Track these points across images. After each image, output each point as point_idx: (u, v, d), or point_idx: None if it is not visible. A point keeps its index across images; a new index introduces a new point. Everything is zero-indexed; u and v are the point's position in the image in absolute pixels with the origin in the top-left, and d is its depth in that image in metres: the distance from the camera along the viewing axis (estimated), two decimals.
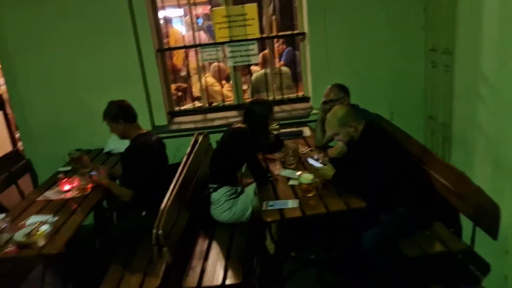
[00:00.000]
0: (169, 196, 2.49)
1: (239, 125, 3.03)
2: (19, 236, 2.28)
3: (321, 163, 2.58)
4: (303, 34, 3.76)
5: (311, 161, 2.62)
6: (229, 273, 2.40)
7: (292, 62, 5.03)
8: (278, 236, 2.98)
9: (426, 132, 3.60)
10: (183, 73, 5.48)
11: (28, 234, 2.29)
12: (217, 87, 5.01)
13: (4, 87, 6.04)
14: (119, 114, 2.80)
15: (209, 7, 6.25)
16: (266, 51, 4.33)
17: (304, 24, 3.71)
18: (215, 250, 2.65)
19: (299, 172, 2.70)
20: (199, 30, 5.86)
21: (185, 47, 4.14)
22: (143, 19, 3.59)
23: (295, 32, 3.92)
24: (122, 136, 2.90)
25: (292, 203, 2.44)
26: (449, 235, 2.51)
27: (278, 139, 3.20)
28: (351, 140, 2.56)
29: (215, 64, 5.12)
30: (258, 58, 3.83)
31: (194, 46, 3.91)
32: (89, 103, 3.75)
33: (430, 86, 3.47)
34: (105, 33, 3.59)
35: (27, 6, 3.56)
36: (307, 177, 2.49)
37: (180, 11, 7.21)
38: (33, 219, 2.51)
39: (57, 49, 3.66)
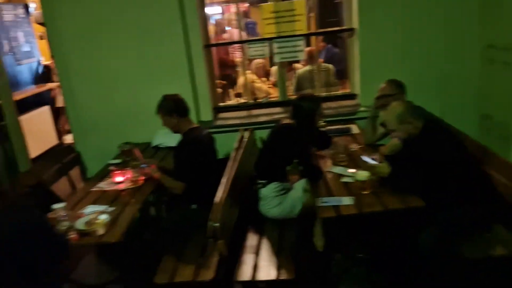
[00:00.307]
0: (223, 190, 2.50)
1: (286, 121, 3.02)
2: (80, 224, 2.34)
3: (376, 160, 2.54)
4: (351, 30, 3.70)
5: (365, 158, 2.57)
6: (282, 269, 2.39)
7: (332, 60, 4.97)
8: (327, 233, 2.95)
9: (481, 130, 3.47)
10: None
11: (88, 223, 2.35)
12: (259, 84, 5.02)
13: (52, 84, 6.30)
14: (173, 108, 2.84)
15: (247, 5, 6.28)
16: (311, 47, 4.30)
17: (353, 19, 3.66)
18: (265, 245, 2.64)
19: (352, 170, 2.66)
20: (237, 28, 5.89)
21: (232, 43, 4.15)
22: (192, 14, 3.62)
23: (343, 28, 3.87)
24: (174, 130, 2.93)
25: (346, 200, 2.41)
26: (511, 238, 2.42)
27: (326, 136, 3.17)
28: (408, 137, 2.50)
29: (257, 61, 5.13)
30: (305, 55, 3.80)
31: (241, 42, 3.92)
32: (137, 98, 3.82)
33: (485, 84, 3.35)
34: (155, 28, 3.64)
35: (80, 2, 3.66)
36: (363, 175, 2.45)
37: (218, 9, 7.27)
38: (91, 209, 2.58)
39: (107, 44, 3.75)
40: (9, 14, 5.71)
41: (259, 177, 2.94)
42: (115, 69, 3.80)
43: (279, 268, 2.41)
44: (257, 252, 2.57)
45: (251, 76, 4.98)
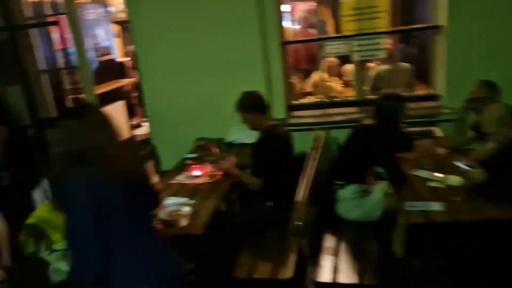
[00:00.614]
0: (304, 189, 2.46)
1: (367, 121, 2.92)
2: (164, 214, 2.40)
3: (469, 165, 2.38)
4: (437, 27, 3.51)
5: (458, 163, 2.42)
6: (364, 274, 2.31)
7: (406, 59, 4.76)
8: (406, 240, 2.82)
9: None
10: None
11: (171, 214, 2.41)
12: (330, 83, 4.92)
13: (126, 80, 6.59)
14: (252, 105, 2.84)
15: (314, 3, 6.19)
16: (389, 46, 4.13)
17: (439, 16, 3.46)
18: (344, 247, 2.57)
19: (439, 174, 2.52)
20: (308, 27, 5.82)
21: (309, 40, 4.09)
22: (270, 11, 3.61)
23: (427, 25, 3.68)
24: (253, 127, 2.93)
25: (435, 206, 2.28)
26: None
27: (408, 137, 3.03)
28: (507, 141, 2.32)
29: (329, 59, 5.03)
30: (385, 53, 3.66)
31: (319, 39, 3.86)
32: (211, 94, 3.88)
33: None
34: (232, 25, 3.67)
35: (161, 0, 3.78)
36: (455, 180, 2.31)
37: (287, 7, 7.23)
38: (172, 200, 2.64)
39: (185, 40, 3.83)
40: (92, 12, 6.04)
41: (337, 178, 2.86)
42: (192, 65, 3.88)
43: (360, 272, 2.33)
44: (336, 254, 2.51)
45: (322, 74, 4.90)
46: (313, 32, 5.62)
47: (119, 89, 6.51)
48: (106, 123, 1.63)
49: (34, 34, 4.44)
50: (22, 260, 2.63)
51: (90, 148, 1.54)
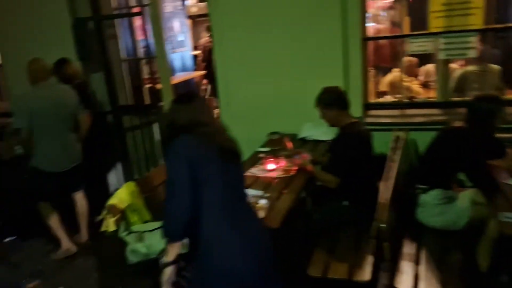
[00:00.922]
0: (387, 190, 2.36)
1: (457, 124, 2.74)
2: None
3: None
4: None
5: None
6: (447, 284, 2.17)
7: (490, 62, 4.44)
8: (493, 253, 2.62)
9: None
10: None
11: None
12: (407, 83, 4.70)
13: (197, 72, 6.74)
14: (333, 101, 2.76)
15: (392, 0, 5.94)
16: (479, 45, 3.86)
17: None
18: (425, 255, 2.43)
19: None
20: (389, 24, 5.60)
21: (393, 37, 3.92)
22: (354, 6, 3.50)
23: None
24: (332, 123, 2.85)
25: None
26: None
27: (501, 144, 2.80)
28: None
29: (407, 58, 4.81)
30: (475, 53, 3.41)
31: (403, 36, 3.68)
32: (286, 88, 3.84)
33: None
34: (314, 17, 3.59)
35: None
36: None
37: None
38: (249, 193, 2.63)
39: (263, 33, 3.80)
40: (169, 5, 6.22)
41: (420, 181, 2.72)
42: (268, 59, 3.85)
43: (443, 283, 2.19)
44: (416, 262, 2.38)
45: (399, 74, 4.69)
46: (392, 30, 5.41)
47: (190, 81, 6.68)
48: (208, 108, 1.95)
49: (117, 24, 4.65)
50: (101, 238, 2.75)
51: (194, 123, 1.78)
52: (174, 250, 1.72)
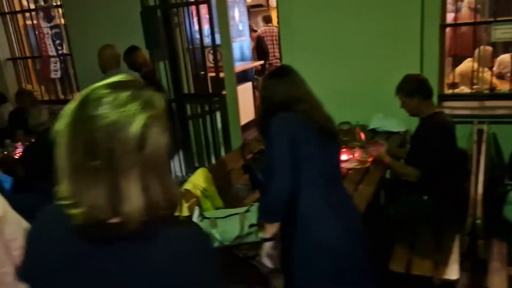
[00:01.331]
0: (479, 185, 2.21)
1: None
2: None
3: None
4: None
5: None
6: None
7: None
8: None
9: None
10: None
11: None
12: (482, 74, 4.43)
13: (255, 62, 6.72)
14: (416, 89, 2.62)
15: None
16: None
17: None
18: None
19: None
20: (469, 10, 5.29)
21: (474, 23, 3.68)
22: None
23: None
24: (413, 113, 2.72)
25: None
26: None
27: None
28: None
29: (482, 47, 4.53)
30: None
31: (485, 22, 3.45)
32: (357, 77, 3.70)
33: None
34: (388, 3, 3.44)
35: None
36: None
37: None
38: None
39: (333, 20, 3.68)
40: None
41: (510, 178, 2.54)
42: (338, 46, 3.72)
43: None
44: (509, 263, 2.23)
45: (473, 64, 4.42)
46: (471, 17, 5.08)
47: (249, 71, 6.68)
48: (303, 82, 1.84)
49: (181, 13, 4.68)
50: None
51: (292, 99, 1.75)
52: (273, 229, 1.72)
